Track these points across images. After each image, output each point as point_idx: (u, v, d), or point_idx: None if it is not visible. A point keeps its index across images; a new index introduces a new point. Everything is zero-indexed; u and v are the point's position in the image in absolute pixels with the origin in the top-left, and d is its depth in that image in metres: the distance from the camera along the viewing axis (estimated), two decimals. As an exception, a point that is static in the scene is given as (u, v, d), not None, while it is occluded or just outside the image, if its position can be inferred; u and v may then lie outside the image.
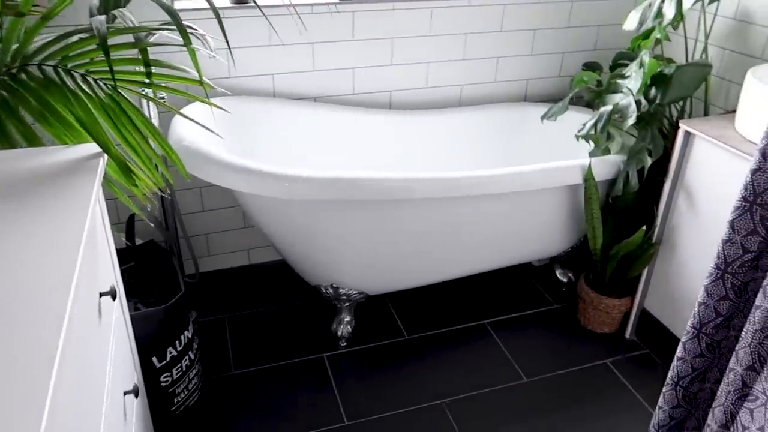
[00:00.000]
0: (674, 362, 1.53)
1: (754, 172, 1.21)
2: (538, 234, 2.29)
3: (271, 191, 1.79)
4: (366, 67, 2.42)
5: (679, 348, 1.50)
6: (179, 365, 1.77)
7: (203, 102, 1.39)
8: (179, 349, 1.75)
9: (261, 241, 2.60)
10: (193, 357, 1.85)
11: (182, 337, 1.76)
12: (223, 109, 1.39)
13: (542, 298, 2.60)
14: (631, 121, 2.00)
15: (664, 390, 1.58)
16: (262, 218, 2.00)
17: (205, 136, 1.97)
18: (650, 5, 2.01)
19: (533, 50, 2.63)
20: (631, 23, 2.07)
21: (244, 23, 2.18)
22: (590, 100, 2.29)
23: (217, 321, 2.43)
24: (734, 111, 2.28)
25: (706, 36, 2.13)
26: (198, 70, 1.28)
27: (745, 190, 1.23)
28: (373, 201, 1.91)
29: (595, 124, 2.08)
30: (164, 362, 1.71)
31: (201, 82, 1.32)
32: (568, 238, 2.39)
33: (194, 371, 1.87)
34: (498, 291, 2.63)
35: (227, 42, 1.31)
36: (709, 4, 2.03)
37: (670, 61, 2.27)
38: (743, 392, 1.34)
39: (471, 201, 2.04)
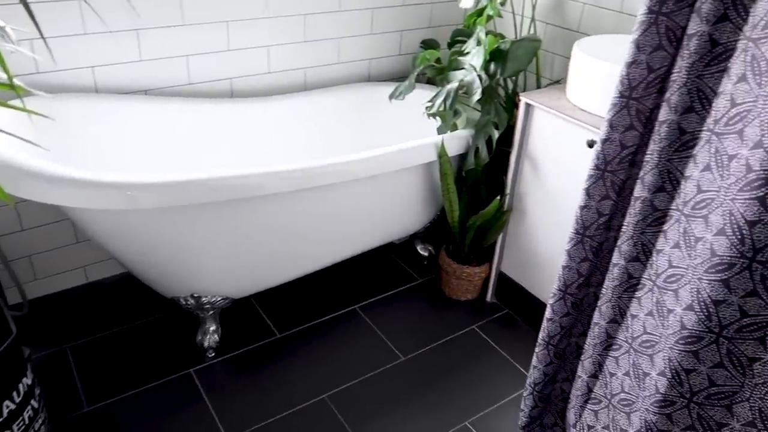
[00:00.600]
0: (544, 323, 1.62)
1: (603, 141, 1.29)
2: (399, 213, 2.30)
3: (111, 203, 1.57)
4: (201, 54, 2.22)
5: (548, 310, 1.60)
6: (21, 419, 1.51)
7: (12, 108, 1.15)
8: (18, 400, 1.49)
9: (99, 256, 2.31)
10: (36, 405, 1.58)
11: (20, 386, 1.50)
12: (41, 114, 1.16)
13: (407, 275, 2.64)
14: (477, 96, 2.07)
15: (537, 350, 1.68)
16: (100, 232, 1.75)
17: (21, 146, 1.66)
18: (483, -17, 2.08)
19: (372, 29, 2.61)
20: (467, 2, 2.12)
21: (48, 8, 1.87)
22: (432, 77, 2.33)
23: (58, 353, 2.12)
24: (559, 81, 2.47)
25: (533, 12, 2.26)
26: (6, 70, 1.05)
27: (597, 158, 1.32)
28: (226, 201, 1.77)
29: (443, 101, 2.12)
30: (1, 420, 1.44)
31: (11, 85, 1.09)
32: (427, 213, 2.44)
33: (40, 421, 1.61)
34: (363, 274, 2.62)
35: (40, 31, 1.09)
36: (533, -19, 2.15)
37: (501, 36, 2.38)
38: (608, 343, 1.46)
39: (329, 189, 1.98)
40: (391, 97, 2.34)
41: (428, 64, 2.36)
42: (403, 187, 2.21)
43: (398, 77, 2.81)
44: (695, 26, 1.06)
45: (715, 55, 1.06)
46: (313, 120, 2.53)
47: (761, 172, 0.94)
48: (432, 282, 2.61)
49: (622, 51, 1.97)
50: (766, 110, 0.95)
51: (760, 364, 1.08)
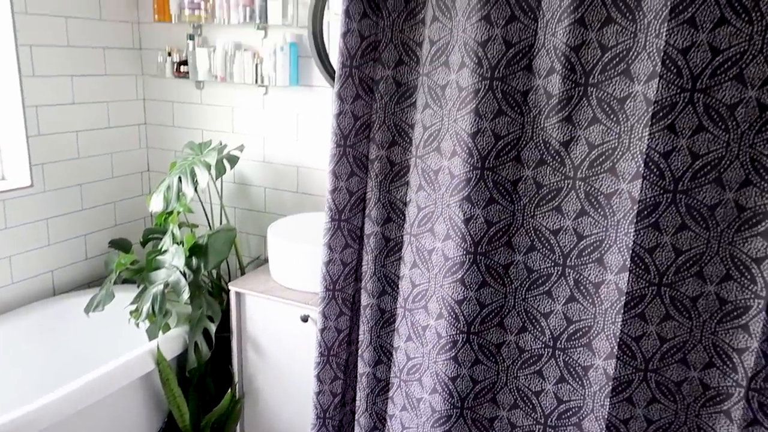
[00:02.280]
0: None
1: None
2: (121, 437, 2.05)
3: None
4: None
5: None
6: None
7: None
8: None
9: None
10: None
11: None
12: None
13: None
14: (186, 295, 2.05)
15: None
16: None
17: None
18: (169, 188, 2.14)
19: (50, 240, 2.40)
20: (156, 205, 2.15)
21: None
22: (129, 278, 2.24)
23: None
24: (259, 257, 2.63)
25: (221, 200, 2.40)
26: None
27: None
28: None
29: (151, 306, 2.04)
30: None
31: None
32: (153, 422, 2.23)
33: None
34: None
35: None
36: (217, 178, 2.30)
37: (195, 226, 2.45)
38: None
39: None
40: (88, 310, 2.15)
41: (124, 268, 2.26)
42: (119, 407, 2.00)
43: (90, 283, 2.60)
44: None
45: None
46: (-11, 356, 2.14)
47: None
48: (173, 498, 2.33)
49: (312, 228, 2.22)
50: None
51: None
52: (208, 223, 2.53)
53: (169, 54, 2.58)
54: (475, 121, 1.15)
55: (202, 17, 2.48)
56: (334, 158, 1.34)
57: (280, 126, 2.49)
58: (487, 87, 1.14)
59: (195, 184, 2.13)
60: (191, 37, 2.55)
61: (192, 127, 2.69)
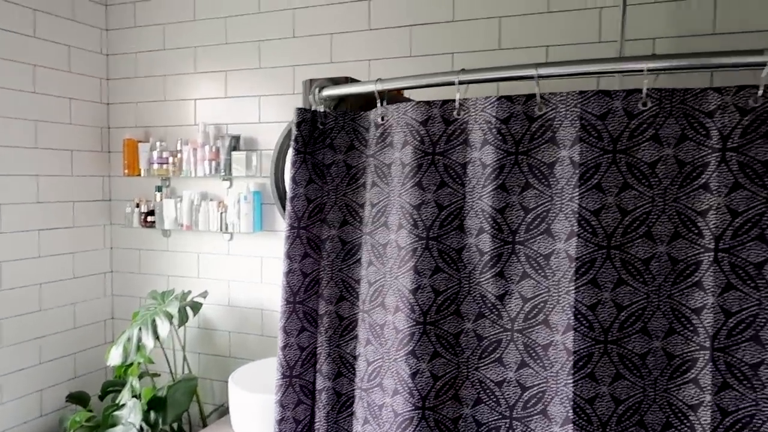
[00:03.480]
0: None
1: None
2: None
3: None
4: None
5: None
6: None
7: None
8: None
9: None
10: None
11: None
12: None
13: None
14: (141, 454, 1.97)
15: None
16: None
17: None
18: (129, 339, 2.12)
19: (3, 398, 2.32)
20: (115, 359, 2.12)
21: None
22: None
23: None
24: (222, 405, 2.55)
25: (183, 348, 2.38)
26: None
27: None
28: None
29: (103, 469, 1.94)
30: None
31: None
32: None
33: None
34: None
35: None
36: (179, 326, 2.30)
37: (156, 375, 2.40)
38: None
39: None
40: (37, 475, 2.03)
41: (79, 426, 2.17)
42: None
43: (43, 441, 2.48)
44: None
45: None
46: None
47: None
48: None
49: (272, 375, 2.19)
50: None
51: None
52: (171, 372, 2.48)
53: (137, 205, 2.67)
54: (414, 278, 1.21)
55: (170, 171, 2.61)
56: (284, 315, 1.37)
57: (245, 270, 2.54)
58: (423, 246, 1.21)
59: (156, 335, 2.12)
60: (159, 189, 2.66)
61: (158, 273, 2.73)
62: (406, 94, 1.83)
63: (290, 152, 1.39)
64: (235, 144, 2.52)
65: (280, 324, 1.38)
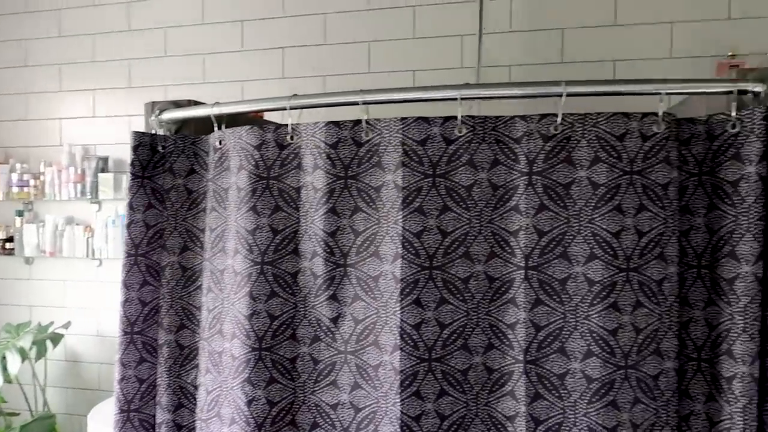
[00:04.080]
0: None
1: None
2: None
3: None
4: None
5: None
6: None
7: None
8: None
9: None
10: None
11: None
12: None
13: None
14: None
15: None
16: None
17: None
18: (-27, 378, 1.96)
19: None
20: (-45, 400, 1.94)
21: None
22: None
23: None
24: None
25: (43, 383, 2.22)
26: None
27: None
28: None
29: None
30: None
31: None
32: None
33: None
34: None
35: None
36: (37, 360, 2.15)
37: (14, 414, 2.23)
38: None
39: None
40: None
41: None
42: None
43: None
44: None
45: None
46: None
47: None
48: None
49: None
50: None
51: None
52: (30, 410, 2.31)
53: (-6, 231, 2.49)
54: (249, 303, 1.20)
55: (32, 194, 2.45)
56: (121, 346, 1.32)
57: (116, 298, 2.42)
58: (258, 271, 1.20)
59: (5, 371, 1.97)
60: (20, 213, 2.49)
61: (19, 304, 2.55)
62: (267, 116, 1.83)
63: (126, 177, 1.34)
64: (103, 165, 2.42)
65: (116, 356, 1.32)
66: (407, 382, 1.12)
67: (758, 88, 1.07)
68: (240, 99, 2.44)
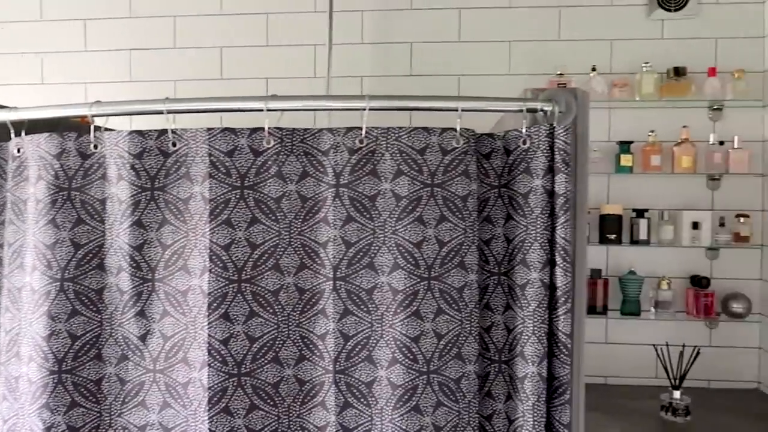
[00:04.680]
0: None
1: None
2: None
3: None
4: None
5: None
6: None
7: None
8: None
9: None
10: None
11: None
12: None
13: None
14: None
15: None
16: None
17: None
18: None
19: None
20: None
21: None
22: None
23: None
24: None
25: None
26: None
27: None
28: None
29: None
30: None
31: None
32: None
33: None
34: None
35: None
36: None
37: None
38: None
39: None
40: None
41: None
42: None
43: None
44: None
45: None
46: None
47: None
48: None
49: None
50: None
51: None
52: None
53: None
54: (48, 323, 1.12)
55: None
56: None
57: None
58: (58, 288, 1.13)
59: None
60: None
61: None
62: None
63: None
64: None
65: None
66: (215, 399, 1.10)
67: (547, 107, 1.16)
68: (84, 101, 2.30)
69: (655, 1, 2.27)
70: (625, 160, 2.27)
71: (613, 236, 2.25)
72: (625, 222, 2.28)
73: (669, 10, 2.27)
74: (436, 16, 2.25)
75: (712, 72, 2.23)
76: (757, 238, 2.30)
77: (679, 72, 2.23)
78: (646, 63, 2.22)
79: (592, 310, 2.30)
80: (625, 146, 2.27)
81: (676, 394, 2.00)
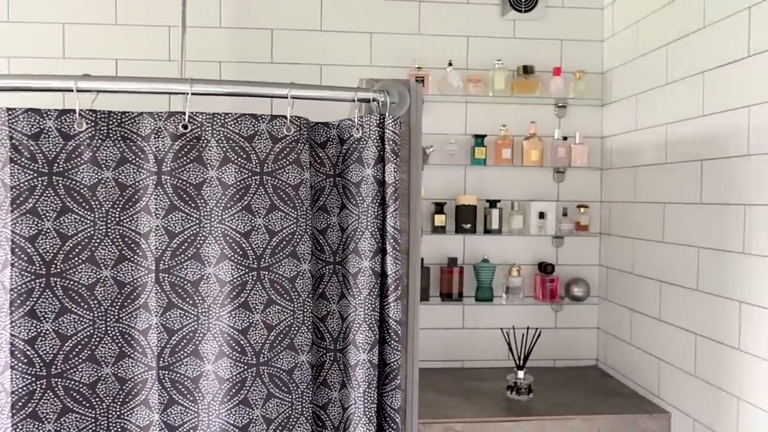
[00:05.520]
0: None
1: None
2: None
3: None
4: None
5: None
6: None
7: None
8: None
9: None
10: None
11: None
12: None
13: None
14: None
15: None
16: None
17: None
18: None
19: None
20: None
21: None
22: None
23: None
24: None
25: None
26: None
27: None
28: None
29: None
30: None
31: None
32: None
33: None
34: None
35: None
36: None
37: None
38: None
39: None
40: None
41: None
42: None
43: None
44: None
45: None
46: None
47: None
48: None
49: None
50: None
51: None
52: None
53: None
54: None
55: None
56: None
57: None
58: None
59: None
60: None
61: None
62: None
63: None
64: None
65: None
66: (20, 404, 1.01)
67: (380, 97, 1.17)
68: None
69: (507, 1, 2.39)
70: (480, 152, 2.37)
71: (468, 226, 2.35)
72: (480, 212, 2.39)
73: (520, 11, 2.40)
74: (297, 2, 2.21)
75: (557, 72, 2.39)
76: (596, 226, 2.50)
77: (527, 70, 2.36)
78: (499, 60, 2.33)
79: (448, 297, 2.39)
80: (479, 139, 2.37)
81: (520, 374, 2.13)
